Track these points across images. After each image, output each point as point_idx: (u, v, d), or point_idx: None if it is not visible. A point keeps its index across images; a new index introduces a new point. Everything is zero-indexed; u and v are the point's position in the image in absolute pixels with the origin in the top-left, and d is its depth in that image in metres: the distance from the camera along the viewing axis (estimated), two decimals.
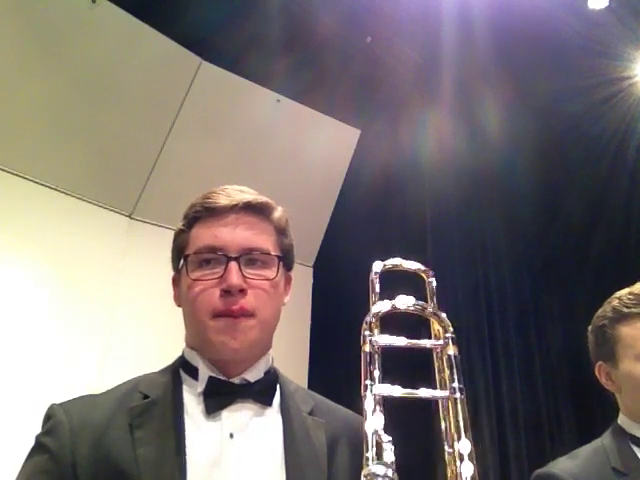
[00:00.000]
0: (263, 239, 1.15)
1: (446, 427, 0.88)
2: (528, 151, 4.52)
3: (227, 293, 1.09)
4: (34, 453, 1.06)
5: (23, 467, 1.05)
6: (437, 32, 3.87)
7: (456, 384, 0.89)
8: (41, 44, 3.35)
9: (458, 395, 0.89)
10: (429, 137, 4.54)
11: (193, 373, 1.14)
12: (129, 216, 3.91)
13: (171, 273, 1.24)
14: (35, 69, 3.35)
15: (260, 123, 4.13)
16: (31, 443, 1.08)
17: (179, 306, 1.20)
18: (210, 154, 4.03)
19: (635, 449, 1.54)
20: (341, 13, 3.83)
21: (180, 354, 1.21)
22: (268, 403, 1.13)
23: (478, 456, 0.82)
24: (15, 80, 3.29)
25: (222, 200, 1.14)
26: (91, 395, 1.15)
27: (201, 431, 1.06)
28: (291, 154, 4.31)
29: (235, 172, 3.94)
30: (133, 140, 3.77)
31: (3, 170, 3.33)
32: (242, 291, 1.09)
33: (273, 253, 1.15)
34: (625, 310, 1.60)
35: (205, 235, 1.13)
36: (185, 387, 1.13)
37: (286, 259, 1.19)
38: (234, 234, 1.12)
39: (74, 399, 1.12)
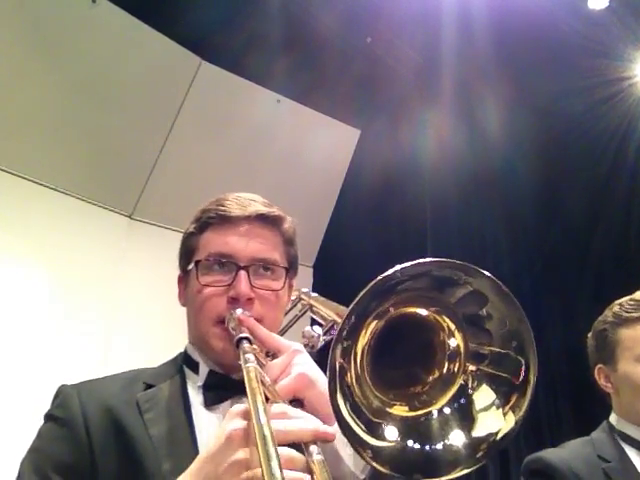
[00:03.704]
0: (273, 250, 1.17)
1: None
2: (528, 151, 4.52)
3: (234, 300, 1.11)
4: (45, 425, 1.08)
5: (35, 440, 1.07)
6: (437, 32, 3.87)
7: None
8: (41, 44, 3.35)
9: None
10: (429, 137, 4.54)
11: (194, 367, 1.17)
12: (129, 216, 3.91)
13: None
14: (35, 69, 3.35)
15: (260, 123, 4.13)
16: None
17: (183, 305, 1.22)
18: (210, 154, 4.03)
19: (622, 444, 1.62)
20: (341, 13, 3.83)
21: (180, 352, 1.23)
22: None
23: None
24: (15, 80, 3.29)
25: (235, 210, 1.16)
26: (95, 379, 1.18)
27: (201, 418, 1.09)
28: (291, 154, 4.31)
29: (235, 172, 3.94)
30: (133, 140, 3.77)
31: (3, 170, 3.33)
32: (250, 299, 1.12)
33: (281, 265, 1.18)
34: (625, 314, 1.67)
35: (217, 242, 1.16)
36: (187, 380, 1.16)
37: (291, 269, 1.22)
38: (246, 244, 1.15)
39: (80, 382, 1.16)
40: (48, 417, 1.09)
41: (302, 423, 0.79)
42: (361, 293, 0.75)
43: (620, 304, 1.71)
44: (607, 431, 1.67)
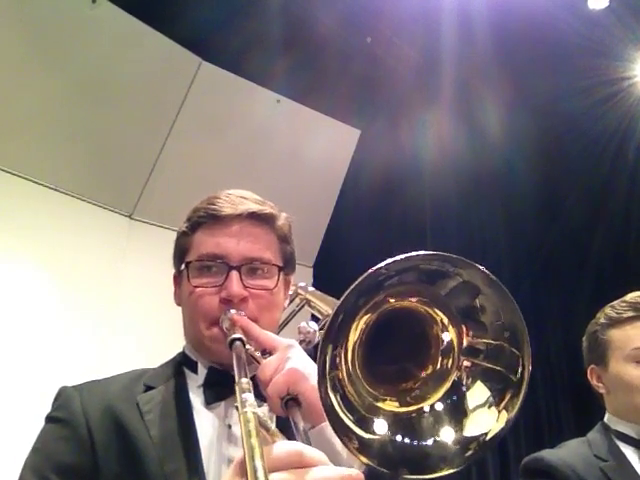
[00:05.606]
0: (265, 249, 1.16)
1: None
2: (528, 151, 4.52)
3: (227, 301, 1.10)
4: (47, 426, 1.08)
5: (36, 441, 1.06)
6: (437, 32, 3.87)
7: None
8: (41, 44, 3.35)
9: None
10: (429, 137, 4.54)
11: (193, 367, 1.16)
12: (129, 216, 3.91)
13: (171, 272, 1.25)
14: (35, 69, 3.35)
15: (260, 123, 4.13)
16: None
17: (179, 304, 1.21)
18: (210, 154, 4.03)
19: (618, 443, 1.63)
20: (341, 13, 3.83)
21: (179, 352, 1.23)
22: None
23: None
24: (15, 80, 3.29)
25: (226, 209, 1.14)
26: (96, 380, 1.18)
27: (201, 418, 1.09)
28: (291, 154, 4.31)
29: (235, 172, 3.94)
30: (133, 140, 3.77)
31: (3, 170, 3.33)
32: (243, 299, 1.11)
33: (274, 263, 1.16)
34: (616, 315, 1.69)
35: (208, 242, 1.14)
36: (187, 380, 1.15)
37: (287, 266, 1.20)
38: (237, 244, 1.13)
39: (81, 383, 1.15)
40: (49, 418, 1.08)
41: (323, 471, 0.65)
42: (347, 290, 0.74)
43: (612, 306, 1.73)
44: (602, 431, 1.68)
